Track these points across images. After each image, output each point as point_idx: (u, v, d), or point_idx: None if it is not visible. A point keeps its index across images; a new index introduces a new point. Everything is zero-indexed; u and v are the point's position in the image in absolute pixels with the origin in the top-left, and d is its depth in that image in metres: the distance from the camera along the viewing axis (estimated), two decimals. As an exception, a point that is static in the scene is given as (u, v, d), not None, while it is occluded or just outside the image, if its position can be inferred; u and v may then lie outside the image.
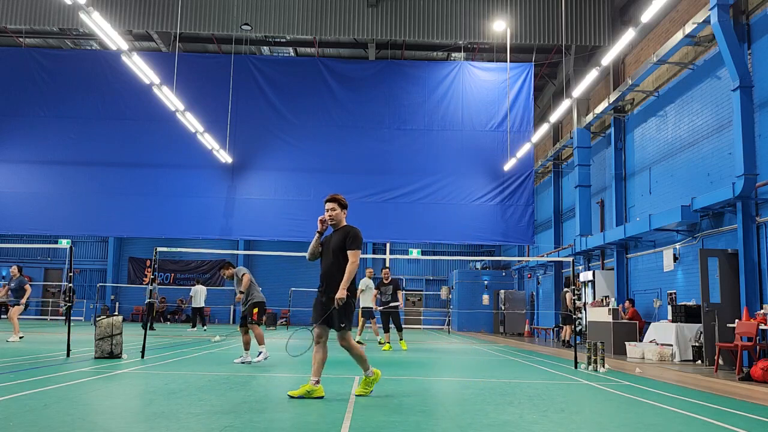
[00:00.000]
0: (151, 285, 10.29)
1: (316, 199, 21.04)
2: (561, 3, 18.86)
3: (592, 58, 20.11)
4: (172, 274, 33.64)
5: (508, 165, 20.65)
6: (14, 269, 13.92)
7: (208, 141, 19.07)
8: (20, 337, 13.17)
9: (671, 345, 12.57)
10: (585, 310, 16.97)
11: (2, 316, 26.82)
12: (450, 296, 31.35)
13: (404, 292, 33.70)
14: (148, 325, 18.66)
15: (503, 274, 31.24)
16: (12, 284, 13.79)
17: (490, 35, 19.44)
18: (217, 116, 20.95)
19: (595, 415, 5.45)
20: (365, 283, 14.66)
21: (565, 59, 20.50)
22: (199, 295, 21.37)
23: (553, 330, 21.78)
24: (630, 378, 8.88)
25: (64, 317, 29.54)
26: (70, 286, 10.29)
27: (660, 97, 16.01)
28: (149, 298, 20.65)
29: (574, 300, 11.78)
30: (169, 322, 31.13)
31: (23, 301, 13.59)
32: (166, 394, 5.82)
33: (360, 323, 15.90)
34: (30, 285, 14.14)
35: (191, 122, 17.66)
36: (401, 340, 14.20)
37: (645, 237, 16.03)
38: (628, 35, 13.17)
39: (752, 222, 11.73)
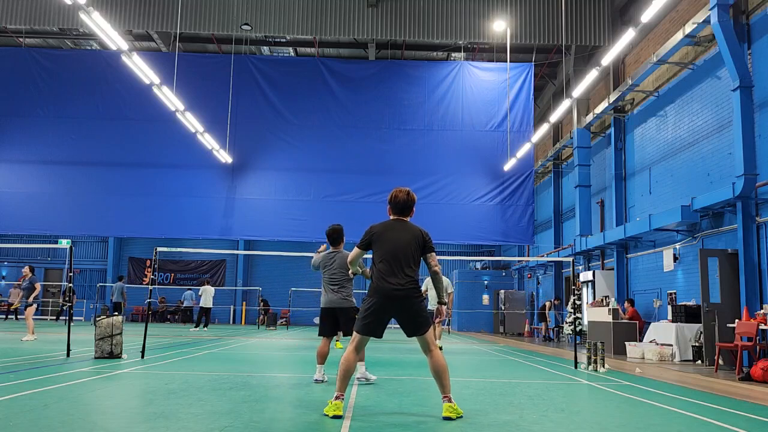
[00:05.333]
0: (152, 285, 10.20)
1: (316, 199, 21.06)
2: (561, 3, 18.85)
3: (592, 58, 20.11)
4: (172, 274, 33.64)
5: (508, 165, 20.65)
6: (26, 270, 14.11)
7: (208, 141, 19.08)
8: (34, 338, 13.22)
9: (671, 345, 12.57)
10: (568, 308, 16.94)
11: (10, 317, 26.97)
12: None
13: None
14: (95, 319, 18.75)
15: (503, 274, 31.23)
16: (24, 283, 13.97)
17: (490, 35, 19.44)
18: (217, 116, 20.95)
19: (595, 415, 5.45)
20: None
21: (565, 59, 20.50)
22: (207, 295, 21.46)
23: (553, 330, 21.79)
24: (630, 378, 8.88)
25: (56, 318, 29.57)
26: (70, 286, 10.29)
27: (660, 97, 16.01)
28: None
29: (573, 300, 11.78)
30: (169, 322, 31.15)
31: (30, 299, 13.67)
32: (166, 394, 5.82)
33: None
34: (39, 284, 14.28)
35: (191, 122, 17.66)
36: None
37: (645, 237, 16.03)
38: (628, 35, 13.16)
39: (752, 222, 11.73)
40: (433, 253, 5.28)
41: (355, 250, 5.39)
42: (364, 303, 5.16)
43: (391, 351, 13.04)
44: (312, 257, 7.66)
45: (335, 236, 7.38)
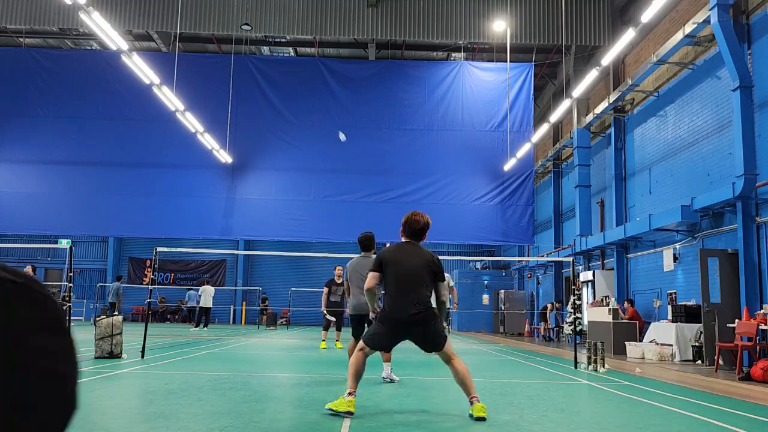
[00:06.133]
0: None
1: (316, 199, 21.05)
2: (561, 3, 18.85)
3: (592, 58, 20.10)
4: (172, 274, 33.64)
5: (508, 165, 20.64)
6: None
7: (208, 141, 19.07)
8: None
9: (671, 345, 12.57)
10: (568, 308, 16.92)
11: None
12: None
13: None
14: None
15: (503, 274, 31.23)
16: None
17: (490, 35, 19.44)
18: (217, 116, 20.93)
19: (595, 415, 5.45)
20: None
21: (565, 59, 20.49)
22: (207, 295, 21.47)
23: (553, 330, 21.79)
24: (630, 378, 8.88)
25: None
26: (70, 287, 10.28)
27: (660, 97, 16.01)
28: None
29: (573, 300, 11.78)
30: (169, 322, 31.14)
31: None
32: (166, 394, 5.82)
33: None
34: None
35: (191, 122, 17.66)
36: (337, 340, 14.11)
37: (645, 237, 16.02)
38: (628, 35, 13.16)
39: (752, 222, 11.73)
40: (443, 283, 5.29)
41: (371, 274, 5.29)
42: (377, 326, 5.16)
43: (392, 351, 13.04)
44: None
45: (367, 243, 7.58)
